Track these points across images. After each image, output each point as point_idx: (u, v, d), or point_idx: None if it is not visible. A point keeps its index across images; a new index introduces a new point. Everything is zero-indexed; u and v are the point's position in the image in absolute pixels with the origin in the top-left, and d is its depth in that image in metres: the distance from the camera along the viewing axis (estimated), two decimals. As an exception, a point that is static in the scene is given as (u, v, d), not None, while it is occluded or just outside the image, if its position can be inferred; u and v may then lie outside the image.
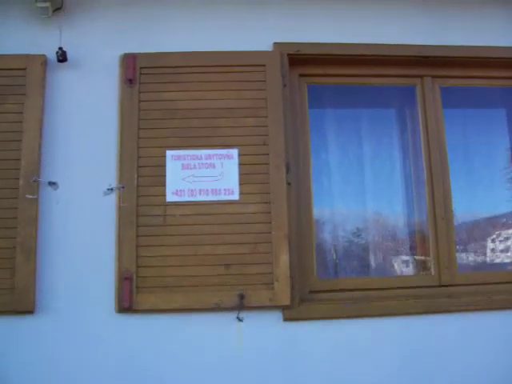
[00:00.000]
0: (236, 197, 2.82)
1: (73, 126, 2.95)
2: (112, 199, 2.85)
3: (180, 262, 2.76)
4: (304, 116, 3.13)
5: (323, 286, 3.00)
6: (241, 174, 2.85)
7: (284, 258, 2.77)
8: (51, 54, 2.94)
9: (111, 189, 2.85)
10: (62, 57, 2.92)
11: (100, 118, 2.95)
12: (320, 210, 3.22)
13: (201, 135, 2.88)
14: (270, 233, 2.79)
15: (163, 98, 2.92)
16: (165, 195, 2.82)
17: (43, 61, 2.92)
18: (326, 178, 3.34)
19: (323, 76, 3.20)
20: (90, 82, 3.00)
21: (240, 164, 2.86)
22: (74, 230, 2.83)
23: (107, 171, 2.88)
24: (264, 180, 2.84)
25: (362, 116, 3.45)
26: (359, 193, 3.37)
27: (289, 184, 2.89)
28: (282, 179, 2.85)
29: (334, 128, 3.40)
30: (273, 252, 2.77)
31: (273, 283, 2.74)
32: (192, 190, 2.83)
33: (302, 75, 3.17)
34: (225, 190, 2.83)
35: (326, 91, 3.34)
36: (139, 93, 2.91)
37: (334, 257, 3.23)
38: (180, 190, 2.83)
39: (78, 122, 2.95)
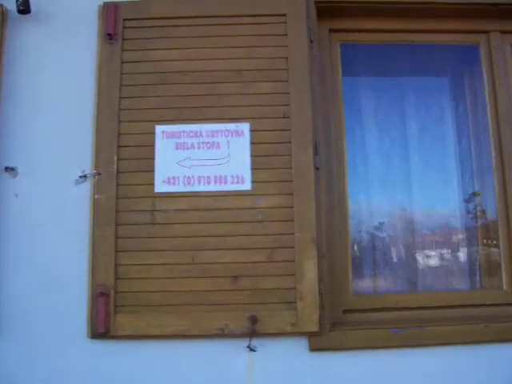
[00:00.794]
0: (247, 186, 2.13)
1: (37, 97, 2.31)
2: (85, 189, 2.20)
3: (173, 273, 2.09)
4: (336, 81, 2.42)
5: (360, 303, 2.30)
6: (254, 157, 2.16)
7: (311, 269, 2.07)
8: (11, 5, 2.28)
9: (84, 176, 2.19)
10: (24, 6, 2.27)
11: (72, 86, 2.31)
12: (355, 204, 2.52)
13: (201, 105, 2.20)
14: (293, 234, 2.10)
15: (152, 58, 2.25)
16: (153, 184, 2.15)
17: (0, 12, 2.26)
18: (361, 162, 2.64)
19: (360, 31, 2.49)
20: (60, 40, 2.35)
21: (252, 143, 2.17)
22: (36, 231, 2.19)
23: (80, 153, 2.23)
24: (284, 164, 2.15)
25: (407, 84, 2.72)
26: (404, 182, 2.67)
27: (317, 169, 2.19)
28: (308, 163, 2.14)
29: (372, 100, 2.68)
30: (296, 260, 2.08)
31: (295, 302, 2.06)
32: (189, 178, 2.15)
33: (332, 30, 2.46)
34: (232, 177, 2.14)
35: (363, 52, 2.63)
36: (122, 51, 2.25)
37: (373, 264, 2.51)
38: (173, 178, 2.15)
39: (44, 90, 2.31)
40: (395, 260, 2.53)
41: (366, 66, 2.66)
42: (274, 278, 2.08)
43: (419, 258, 2.53)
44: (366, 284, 2.47)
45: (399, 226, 2.59)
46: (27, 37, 2.34)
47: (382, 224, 2.58)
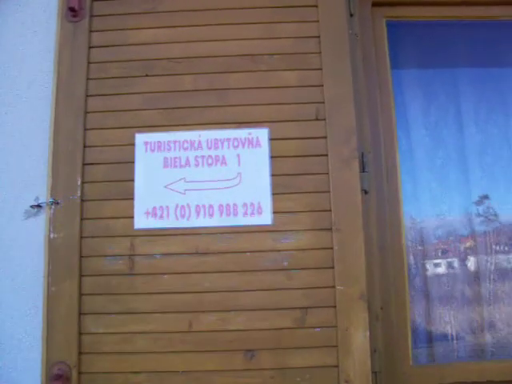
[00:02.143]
0: (266, 219, 1.50)
1: (-24, 96, 1.68)
2: (38, 225, 1.58)
3: (162, 346, 1.46)
4: (383, 70, 1.78)
5: (424, 378, 1.65)
6: (275, 176, 1.53)
7: (360, 337, 1.44)
8: None
9: (38, 205, 1.57)
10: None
11: (23, 79, 1.69)
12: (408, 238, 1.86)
13: (199, 104, 1.58)
14: (333, 288, 1.46)
15: (131, 41, 1.64)
16: (132, 217, 1.51)
17: None
18: (410, 179, 1.98)
19: (411, 5, 1.84)
20: (6, 18, 1.72)
21: (273, 157, 1.54)
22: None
23: (32, 174, 1.63)
24: (319, 186, 1.52)
25: (465, 77, 2.07)
26: (467, 205, 1.99)
27: (366, 193, 1.55)
28: (353, 184, 1.51)
29: (420, 97, 2.03)
30: (338, 326, 1.45)
31: (338, 386, 1.41)
32: (183, 207, 1.52)
33: (376, 4, 1.82)
34: (245, 205, 1.51)
35: (414, 34, 1.98)
36: (89, 32, 1.64)
37: (437, 320, 1.85)
38: (161, 208, 1.52)
39: (-15, 88, 1.68)
40: (467, 312, 1.86)
41: (420, 50, 2.01)
42: (307, 351, 1.45)
43: (503, 308, 1.86)
44: (429, 349, 1.80)
45: (468, 265, 1.92)
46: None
47: (443, 263, 1.92)
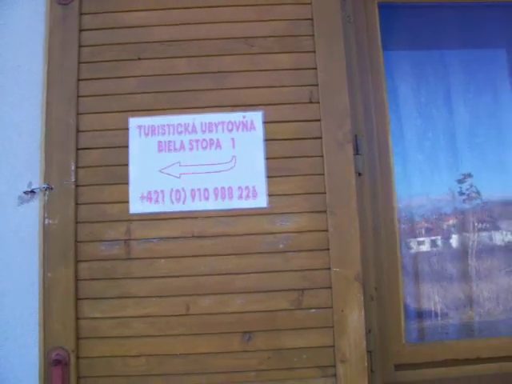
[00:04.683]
0: (262, 202, 1.51)
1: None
2: (32, 211, 1.56)
3: (159, 329, 1.48)
4: (375, 53, 1.78)
5: (417, 355, 1.69)
6: (269, 159, 1.53)
7: (356, 317, 1.47)
8: None
9: (31, 191, 1.55)
10: None
11: (13, 65, 1.65)
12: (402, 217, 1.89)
13: (193, 88, 1.57)
14: (328, 270, 1.48)
15: (123, 24, 1.62)
16: (127, 202, 1.51)
17: None
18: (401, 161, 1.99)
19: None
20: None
21: (267, 140, 1.54)
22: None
23: (26, 159, 1.60)
24: (313, 169, 1.53)
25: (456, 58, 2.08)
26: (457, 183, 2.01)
27: (359, 175, 1.57)
28: (347, 166, 1.52)
29: (414, 78, 2.04)
30: (334, 307, 1.47)
31: (334, 366, 1.45)
32: (178, 191, 1.52)
33: (367, -15, 1.82)
34: (240, 189, 1.52)
35: (406, 16, 1.98)
36: (80, 15, 1.62)
37: (430, 297, 1.88)
38: (156, 192, 1.52)
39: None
40: (460, 292, 1.89)
41: (412, 32, 2.01)
42: (304, 332, 1.48)
43: (495, 287, 1.90)
44: (422, 327, 1.84)
45: (460, 245, 1.95)
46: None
47: (435, 243, 1.95)
